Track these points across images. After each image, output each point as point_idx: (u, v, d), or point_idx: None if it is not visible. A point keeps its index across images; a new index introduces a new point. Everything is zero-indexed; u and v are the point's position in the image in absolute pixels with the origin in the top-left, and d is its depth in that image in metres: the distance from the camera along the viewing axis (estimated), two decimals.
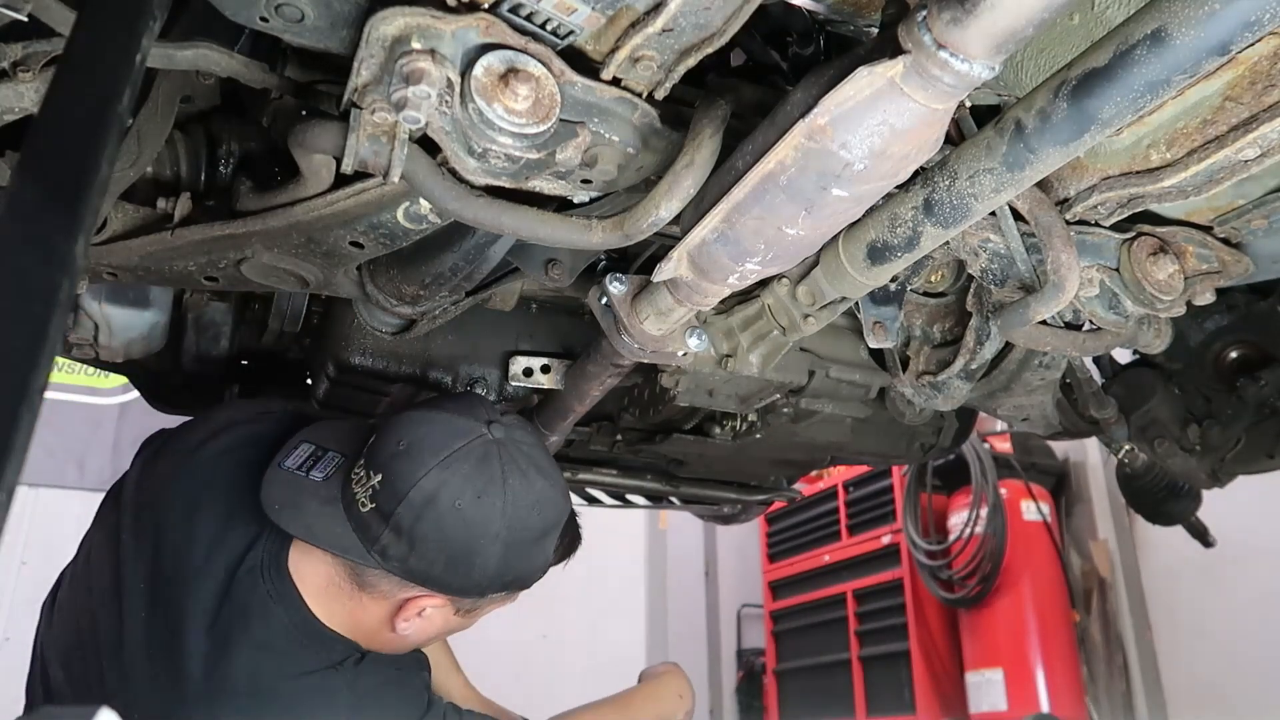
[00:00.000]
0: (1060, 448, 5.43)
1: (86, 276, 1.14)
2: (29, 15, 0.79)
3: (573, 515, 1.46)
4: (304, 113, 1.02)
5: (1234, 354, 1.83)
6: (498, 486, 1.22)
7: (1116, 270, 1.23)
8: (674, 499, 2.38)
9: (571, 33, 0.84)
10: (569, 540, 1.55)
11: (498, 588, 1.29)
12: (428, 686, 1.40)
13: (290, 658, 1.24)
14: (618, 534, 6.52)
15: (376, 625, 1.29)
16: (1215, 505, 2.19)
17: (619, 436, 1.96)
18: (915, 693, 5.09)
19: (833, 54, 1.20)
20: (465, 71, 0.81)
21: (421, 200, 1.01)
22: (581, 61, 0.87)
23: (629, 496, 2.36)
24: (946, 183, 0.95)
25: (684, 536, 6.82)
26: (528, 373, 1.64)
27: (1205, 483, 1.98)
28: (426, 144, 0.90)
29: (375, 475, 1.22)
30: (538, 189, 0.96)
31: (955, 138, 1.02)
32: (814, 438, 1.86)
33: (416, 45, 0.79)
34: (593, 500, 2.40)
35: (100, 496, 1.42)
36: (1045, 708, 4.65)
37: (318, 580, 1.27)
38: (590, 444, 2.00)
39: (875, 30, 0.95)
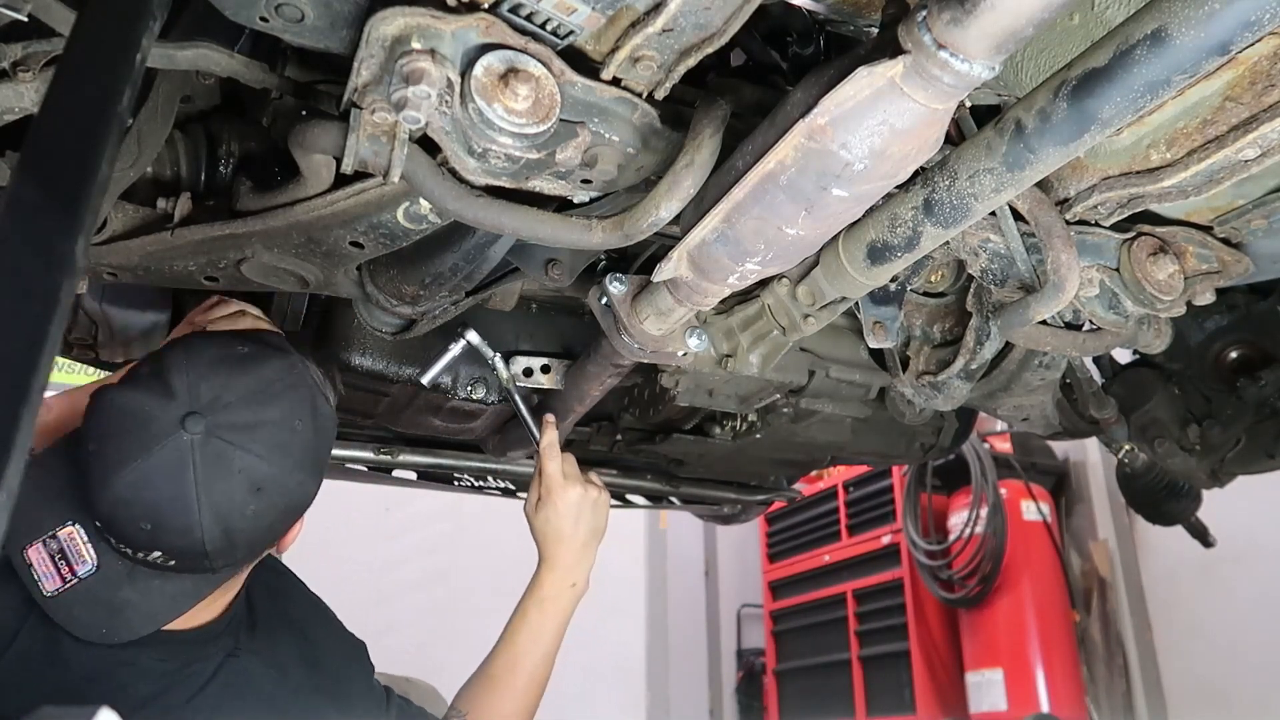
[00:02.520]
0: (1060, 448, 5.43)
1: (86, 276, 1.14)
2: (29, 15, 0.79)
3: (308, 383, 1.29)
4: (304, 113, 1.02)
5: (1234, 354, 1.83)
6: (259, 464, 1.13)
7: (1116, 270, 1.23)
8: (674, 499, 2.38)
9: (571, 33, 0.84)
10: (327, 373, 1.37)
11: (323, 474, 1.26)
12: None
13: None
14: (618, 534, 6.51)
15: (219, 604, 1.27)
16: (1215, 505, 2.19)
17: (619, 436, 1.96)
18: (915, 693, 5.09)
19: (833, 54, 1.20)
20: (465, 71, 0.81)
21: (421, 200, 1.01)
22: (581, 61, 0.87)
23: (629, 496, 2.35)
24: (946, 183, 0.95)
25: (684, 536, 6.82)
26: (528, 373, 1.64)
27: (1205, 483, 1.98)
28: (426, 144, 0.90)
29: (149, 540, 1.11)
30: (538, 189, 0.96)
31: (955, 138, 1.02)
32: (814, 438, 1.86)
33: (416, 45, 0.79)
34: None
35: None
36: (1045, 708, 4.65)
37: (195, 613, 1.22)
38: (590, 444, 2.00)
39: (875, 30, 0.95)
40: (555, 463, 1.55)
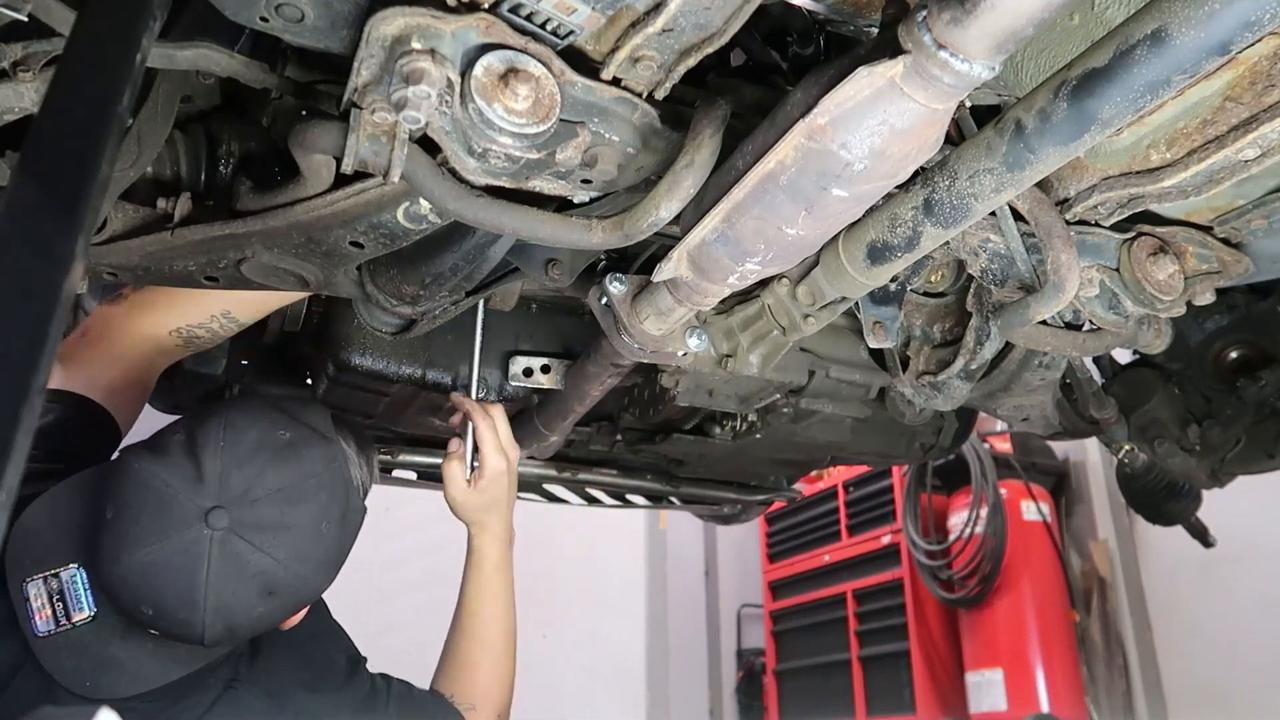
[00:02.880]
0: (1060, 448, 5.43)
1: (86, 276, 1.14)
2: (29, 15, 0.79)
3: (338, 420, 1.28)
4: (304, 113, 1.02)
5: (1234, 354, 1.83)
6: (277, 569, 1.11)
7: (1116, 270, 1.23)
8: (674, 499, 2.39)
9: (571, 33, 0.84)
10: (366, 459, 1.33)
11: (343, 562, 1.23)
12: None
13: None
14: (618, 534, 6.52)
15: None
16: (1215, 505, 2.19)
17: (619, 436, 1.96)
18: (915, 693, 5.09)
19: (833, 54, 1.20)
20: (465, 71, 0.81)
21: (421, 200, 1.01)
22: (581, 61, 0.87)
23: (629, 496, 2.36)
24: (946, 183, 0.95)
25: (684, 536, 6.82)
26: (528, 373, 1.64)
27: (1205, 483, 1.98)
28: (426, 144, 0.90)
29: (147, 622, 1.08)
30: (538, 189, 0.96)
31: (955, 138, 1.02)
32: (814, 438, 1.86)
33: (416, 45, 0.79)
34: (593, 500, 2.40)
35: None
36: (1045, 708, 4.65)
37: None
38: (590, 444, 2.00)
39: (875, 30, 0.95)
40: (493, 435, 1.50)
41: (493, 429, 1.51)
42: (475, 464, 1.52)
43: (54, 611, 1.09)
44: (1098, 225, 1.20)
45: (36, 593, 1.09)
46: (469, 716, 1.49)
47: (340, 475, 1.20)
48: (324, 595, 1.48)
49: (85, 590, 1.10)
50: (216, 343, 1.49)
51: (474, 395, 1.54)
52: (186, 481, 1.08)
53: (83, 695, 1.10)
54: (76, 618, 1.09)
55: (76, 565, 1.10)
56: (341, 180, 1.00)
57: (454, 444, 1.54)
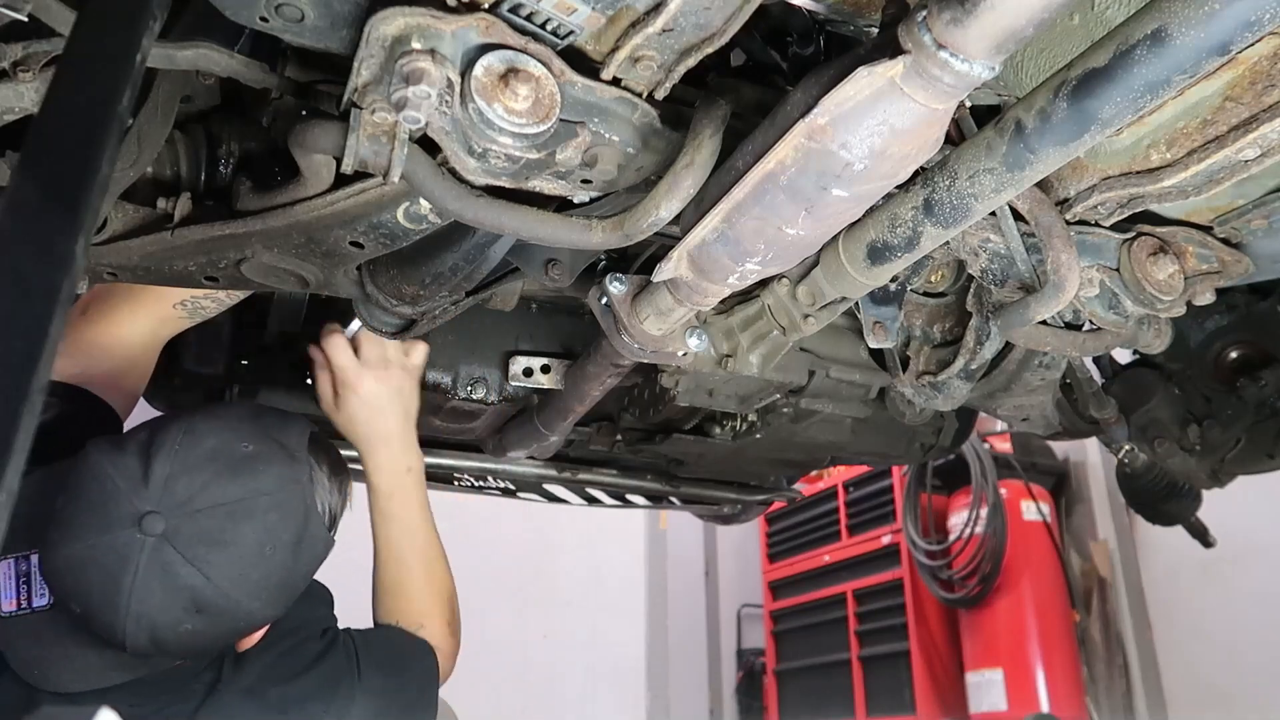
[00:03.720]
0: (1060, 448, 5.43)
1: (86, 276, 1.14)
2: (29, 15, 0.79)
3: (314, 441, 1.22)
4: (304, 113, 1.02)
5: (1234, 354, 1.83)
6: (206, 587, 1.05)
7: (1116, 270, 1.23)
8: (674, 499, 2.38)
9: (571, 33, 0.84)
10: (329, 465, 1.25)
11: (298, 593, 1.19)
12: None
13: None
14: (618, 534, 6.52)
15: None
16: (1215, 505, 2.19)
17: (619, 436, 1.96)
18: (915, 693, 5.09)
19: (833, 54, 1.20)
20: (465, 71, 0.81)
21: (421, 200, 1.01)
22: (581, 61, 0.87)
23: (629, 496, 2.35)
24: (946, 183, 0.95)
25: (684, 536, 6.82)
26: (528, 373, 1.64)
27: (1205, 483, 1.98)
28: (426, 144, 0.90)
29: (80, 619, 1.05)
30: (538, 189, 0.96)
31: (955, 138, 1.02)
32: (814, 438, 1.86)
33: (416, 45, 0.79)
34: (593, 500, 2.40)
35: None
36: (1045, 708, 4.65)
37: None
38: (590, 444, 2.00)
39: (875, 30, 0.95)
40: (345, 354, 1.45)
41: (346, 350, 1.45)
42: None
43: (19, 594, 1.08)
44: (1098, 225, 1.20)
45: (6, 572, 1.09)
46: (421, 634, 1.48)
47: (299, 498, 1.14)
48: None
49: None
50: (220, 311, 1.45)
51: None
52: (131, 482, 1.05)
53: (29, 683, 1.09)
54: (37, 603, 1.08)
55: (39, 552, 1.09)
56: (341, 180, 1.00)
57: (315, 355, 1.49)
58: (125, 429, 1.38)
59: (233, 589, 1.06)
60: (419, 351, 1.52)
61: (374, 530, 1.52)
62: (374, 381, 1.46)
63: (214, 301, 1.41)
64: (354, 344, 1.47)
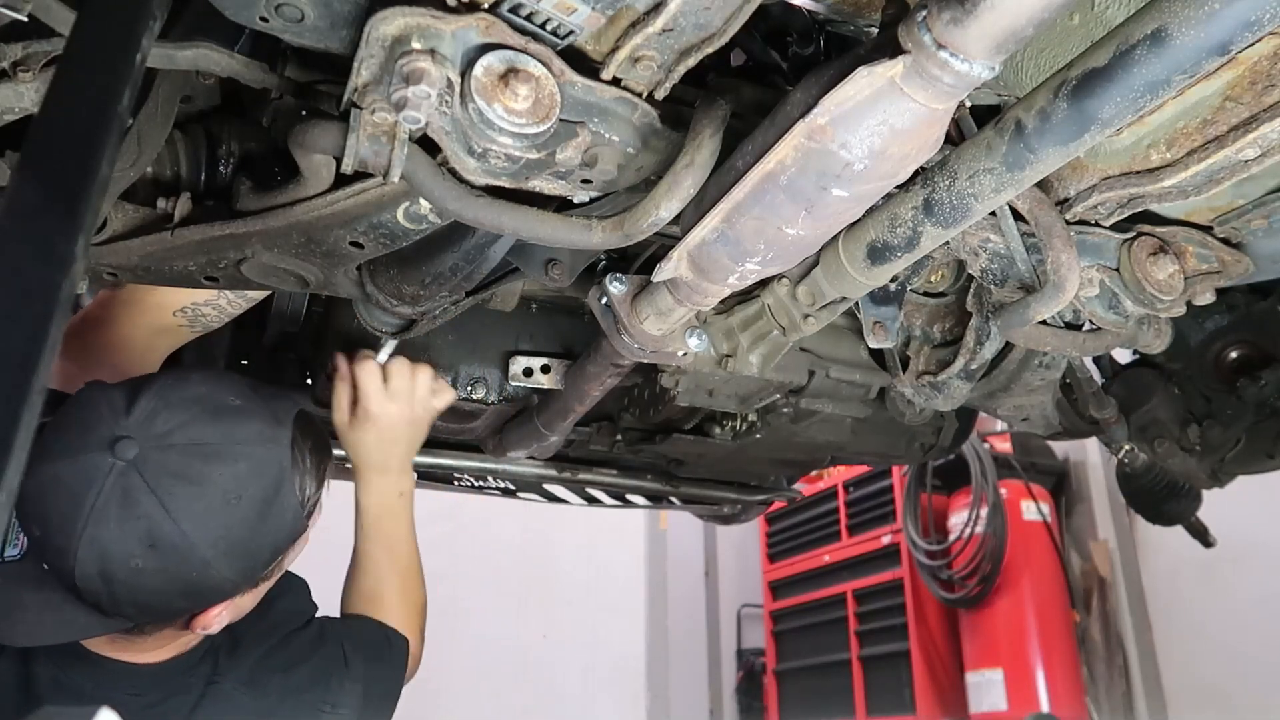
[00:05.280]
0: (1060, 448, 5.43)
1: (86, 276, 1.14)
2: (29, 15, 0.79)
3: (304, 419, 1.21)
4: (304, 113, 1.02)
5: (1234, 354, 1.83)
6: (165, 521, 1.03)
7: (1116, 270, 1.23)
8: (674, 499, 2.38)
9: (571, 33, 0.84)
10: (312, 447, 1.23)
11: (260, 570, 1.16)
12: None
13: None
14: (618, 534, 6.53)
15: (177, 642, 1.20)
16: (1215, 505, 2.19)
17: (619, 436, 1.96)
18: (915, 693, 5.10)
19: (833, 54, 1.20)
20: (465, 71, 0.81)
21: (421, 200, 1.01)
22: (581, 61, 0.87)
23: (629, 496, 2.35)
24: (946, 183, 0.95)
25: (684, 536, 6.83)
26: (528, 373, 1.64)
27: (1205, 483, 1.98)
28: (426, 144, 0.90)
29: (36, 550, 1.05)
30: (538, 189, 0.96)
31: (955, 138, 1.02)
32: (814, 438, 1.86)
33: (416, 45, 0.79)
34: (593, 500, 2.40)
35: None
36: (1045, 708, 4.65)
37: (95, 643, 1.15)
38: (590, 444, 2.00)
39: (875, 30, 0.95)
40: (375, 380, 1.46)
41: (376, 377, 1.47)
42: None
43: (4, 543, 1.07)
44: (1098, 225, 1.20)
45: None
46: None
47: (275, 460, 1.11)
48: (328, 602, 1.50)
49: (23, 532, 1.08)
50: (223, 322, 1.45)
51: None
52: (114, 410, 1.05)
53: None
54: (9, 553, 1.07)
55: None
56: (341, 180, 1.00)
57: (342, 367, 1.50)
58: None
59: (191, 530, 1.04)
60: (445, 397, 1.54)
61: (357, 541, 1.55)
62: (395, 414, 1.47)
63: (215, 309, 1.40)
64: (384, 370, 1.48)
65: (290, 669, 1.33)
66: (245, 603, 1.20)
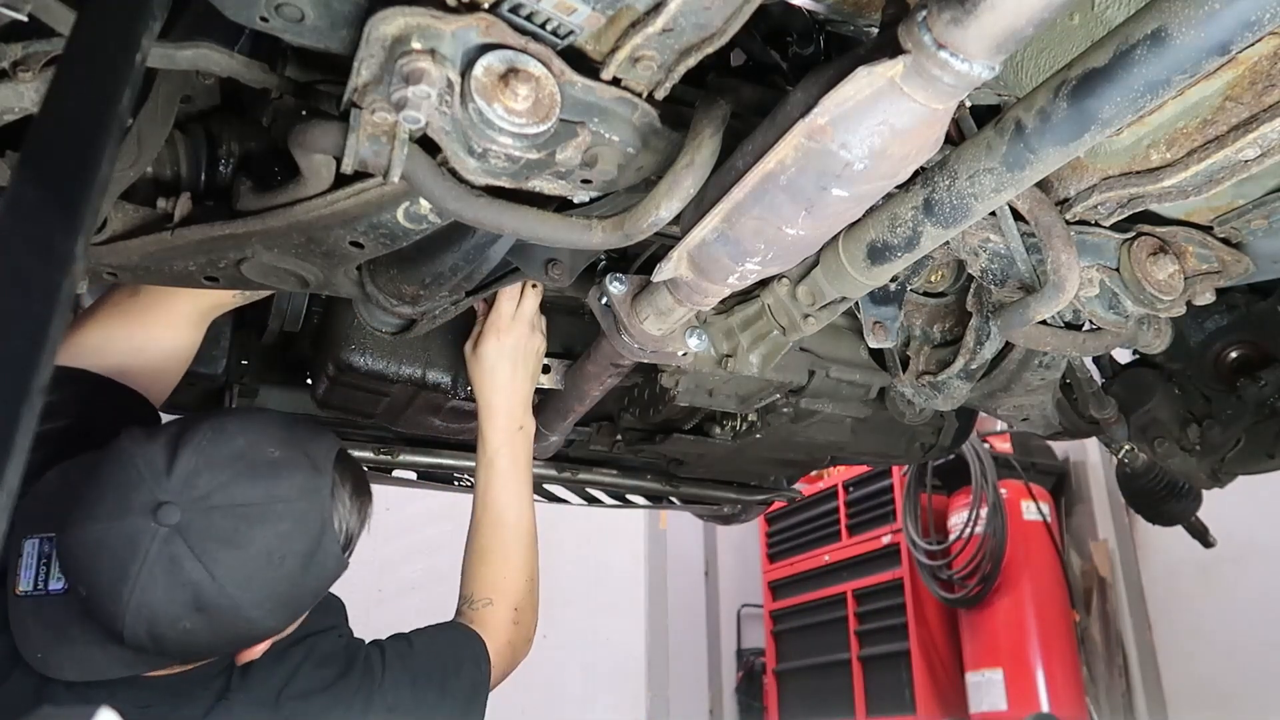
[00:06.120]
0: (1060, 448, 5.43)
1: (86, 276, 1.14)
2: (29, 15, 0.79)
3: (343, 460, 1.22)
4: (304, 113, 1.02)
5: (1234, 354, 1.83)
6: (210, 586, 1.04)
7: (1116, 270, 1.23)
8: (674, 499, 2.39)
9: (571, 33, 0.84)
10: (353, 490, 1.23)
11: (303, 612, 1.19)
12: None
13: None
14: (618, 534, 6.53)
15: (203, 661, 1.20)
16: (1215, 505, 2.19)
17: (619, 436, 1.96)
18: (915, 693, 5.09)
19: (833, 54, 1.20)
20: (465, 71, 0.81)
21: (421, 200, 1.01)
22: (581, 61, 0.87)
23: (629, 496, 2.36)
24: (946, 183, 0.95)
25: (684, 536, 6.82)
26: None
27: (1205, 483, 1.98)
28: (426, 144, 0.90)
29: (84, 604, 1.05)
30: (538, 189, 0.96)
31: (955, 138, 1.02)
32: (814, 438, 1.87)
33: (416, 45, 0.79)
34: (593, 500, 2.40)
35: None
36: (1045, 708, 4.65)
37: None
38: (590, 444, 2.00)
39: (875, 30, 0.95)
40: (511, 303, 1.50)
41: (514, 301, 1.49)
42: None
43: (37, 574, 1.08)
44: (1098, 225, 1.20)
45: (30, 551, 1.09)
46: (485, 612, 1.48)
47: (317, 512, 1.13)
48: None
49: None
50: (267, 294, 1.45)
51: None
52: (155, 471, 1.05)
53: (35, 668, 1.09)
54: (53, 587, 1.07)
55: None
56: (341, 180, 1.00)
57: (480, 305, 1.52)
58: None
59: (237, 591, 1.06)
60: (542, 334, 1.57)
61: (477, 487, 1.54)
62: (521, 334, 1.50)
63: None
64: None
65: (308, 693, 1.28)
66: (286, 633, 1.23)
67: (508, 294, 1.50)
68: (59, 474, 1.17)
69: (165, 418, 1.50)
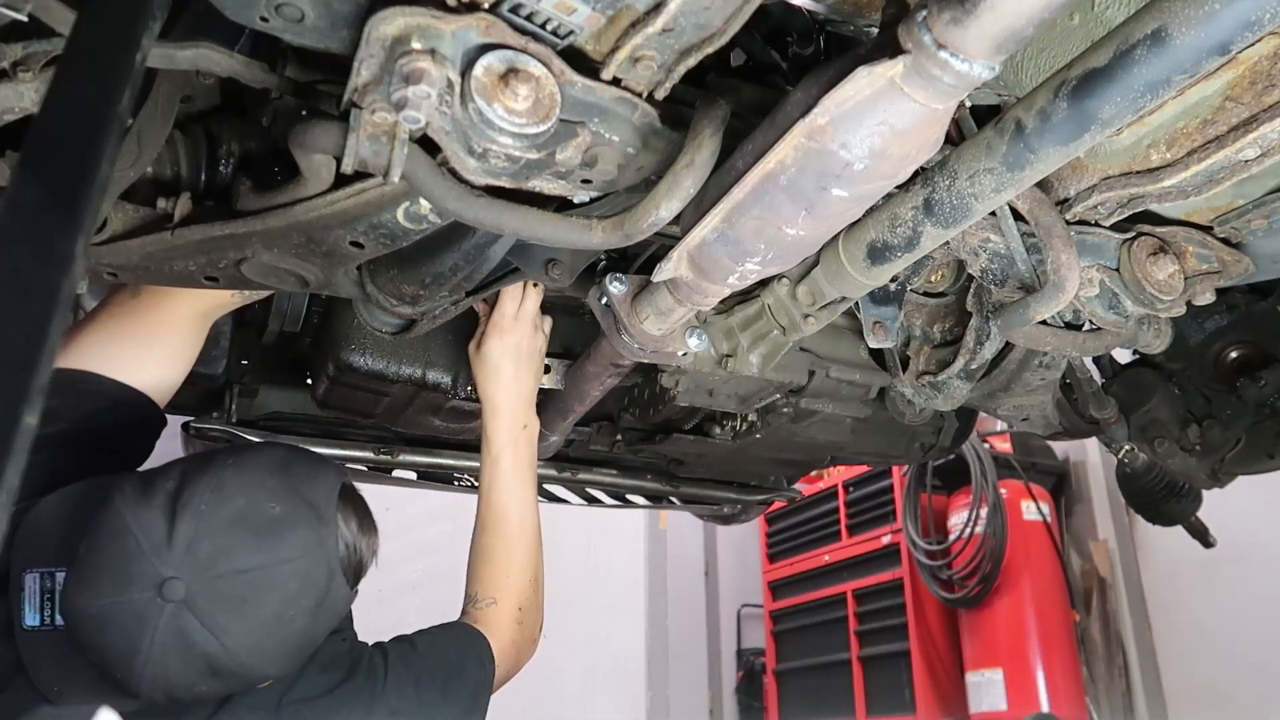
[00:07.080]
0: (1060, 448, 5.43)
1: (86, 276, 1.14)
2: (29, 15, 0.79)
3: (346, 497, 1.21)
4: (304, 113, 1.02)
5: (1234, 354, 1.83)
6: (222, 654, 1.05)
7: (1116, 270, 1.23)
8: (674, 499, 2.38)
9: (572, 33, 0.84)
10: (359, 526, 1.23)
11: (314, 648, 1.18)
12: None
13: None
14: (618, 534, 6.53)
15: None
16: (1215, 505, 2.19)
17: (619, 436, 1.96)
18: (915, 693, 5.09)
19: (833, 54, 1.20)
20: (465, 71, 0.81)
21: (421, 200, 1.01)
22: (581, 61, 0.87)
23: (629, 496, 2.35)
24: (946, 183, 0.95)
25: (684, 536, 6.82)
26: None
27: (1205, 483, 1.98)
28: (426, 144, 0.90)
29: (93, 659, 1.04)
30: (538, 189, 0.96)
31: (955, 138, 1.02)
32: (814, 438, 1.86)
33: (416, 45, 0.79)
34: (593, 500, 2.40)
35: None
36: (1045, 708, 4.65)
37: None
38: (590, 444, 2.00)
39: (875, 30, 0.95)
40: (514, 303, 1.51)
41: (516, 299, 1.50)
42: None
43: (42, 609, 1.07)
44: (1098, 225, 1.20)
45: (32, 586, 1.08)
46: (488, 611, 1.48)
47: (323, 563, 1.12)
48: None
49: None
50: (268, 294, 1.45)
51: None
52: (154, 543, 1.04)
53: (48, 699, 1.09)
54: (59, 622, 1.07)
55: (66, 572, 1.08)
56: (341, 180, 1.00)
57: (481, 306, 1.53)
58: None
59: (249, 656, 1.07)
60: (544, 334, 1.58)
61: (481, 486, 1.54)
62: (524, 333, 1.51)
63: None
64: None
65: (312, 697, 1.28)
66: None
67: (510, 294, 1.50)
68: (55, 506, 1.15)
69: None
